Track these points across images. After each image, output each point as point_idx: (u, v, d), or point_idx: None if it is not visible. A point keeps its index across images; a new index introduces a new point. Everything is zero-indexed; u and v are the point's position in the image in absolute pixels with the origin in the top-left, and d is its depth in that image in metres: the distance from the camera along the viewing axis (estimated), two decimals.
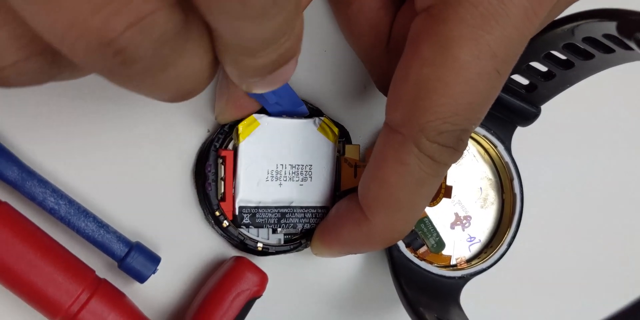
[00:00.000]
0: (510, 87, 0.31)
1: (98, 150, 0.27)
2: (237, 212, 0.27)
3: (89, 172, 0.27)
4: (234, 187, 0.27)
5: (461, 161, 0.32)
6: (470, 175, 0.32)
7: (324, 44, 0.30)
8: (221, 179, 0.27)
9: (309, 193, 0.28)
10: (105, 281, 0.26)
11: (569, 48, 0.28)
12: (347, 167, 0.29)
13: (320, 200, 0.28)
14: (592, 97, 0.36)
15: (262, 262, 0.29)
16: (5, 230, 0.24)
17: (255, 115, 0.27)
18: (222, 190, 0.27)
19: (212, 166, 0.27)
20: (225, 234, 0.28)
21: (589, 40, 0.26)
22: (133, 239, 0.27)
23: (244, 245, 0.28)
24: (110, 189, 0.27)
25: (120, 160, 0.27)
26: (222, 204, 0.27)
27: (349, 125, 0.30)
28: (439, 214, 0.31)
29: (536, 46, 0.27)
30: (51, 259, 0.24)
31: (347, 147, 0.29)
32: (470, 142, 0.32)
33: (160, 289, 0.28)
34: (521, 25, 0.21)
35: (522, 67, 0.29)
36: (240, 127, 0.27)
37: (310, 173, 0.28)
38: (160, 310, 0.28)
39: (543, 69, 0.30)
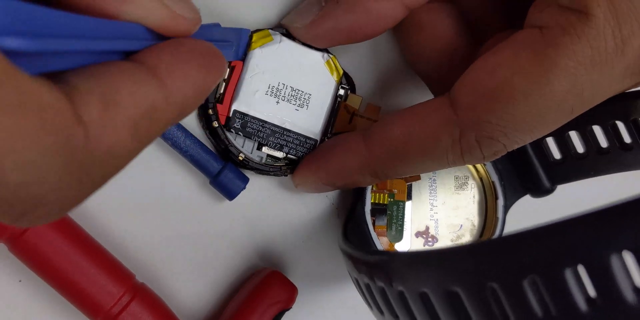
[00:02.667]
0: (542, 148, 0.31)
1: None
2: (230, 114, 0.28)
3: None
4: (234, 92, 0.28)
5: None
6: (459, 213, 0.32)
7: None
8: (223, 80, 0.28)
9: (302, 120, 0.29)
10: (144, 285, 0.27)
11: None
12: (345, 113, 0.30)
13: (310, 131, 0.29)
14: None
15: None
16: (54, 233, 0.25)
17: (270, 30, 0.28)
18: (221, 92, 0.28)
19: None
20: (212, 137, 0.28)
21: None
22: None
23: (227, 153, 0.28)
24: None
25: None
26: (218, 105, 0.28)
27: (358, 80, 0.31)
28: (416, 215, 0.32)
29: (612, 109, 0.28)
30: (96, 262, 0.26)
31: (351, 95, 0.30)
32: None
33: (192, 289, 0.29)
34: (619, 80, 0.22)
35: (586, 127, 0.30)
36: (255, 36, 0.28)
37: (307, 101, 0.29)
38: (194, 316, 0.29)
39: (602, 140, 0.30)
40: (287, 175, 0.30)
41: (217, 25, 0.24)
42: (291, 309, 0.29)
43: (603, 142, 0.30)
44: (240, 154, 0.28)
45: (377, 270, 0.21)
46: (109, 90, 0.15)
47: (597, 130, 0.30)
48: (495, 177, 0.32)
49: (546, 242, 0.17)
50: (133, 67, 0.16)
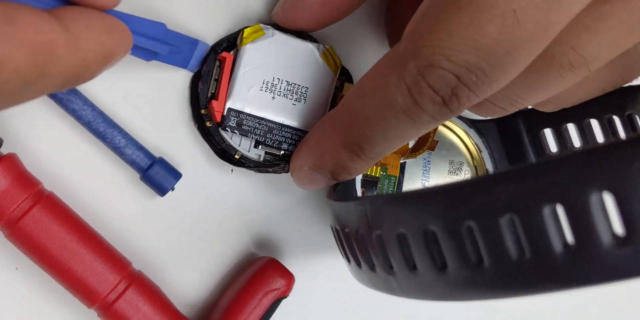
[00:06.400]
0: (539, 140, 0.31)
1: None
2: (225, 113, 0.27)
3: None
4: (228, 89, 0.27)
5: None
6: None
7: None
8: (215, 79, 0.27)
9: (300, 115, 0.28)
10: (141, 273, 0.27)
11: None
12: None
13: (309, 126, 0.28)
14: None
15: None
16: (50, 219, 0.25)
17: (262, 25, 0.28)
18: (213, 91, 0.27)
19: (208, 66, 0.27)
20: (207, 137, 0.28)
21: None
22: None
23: (223, 153, 0.28)
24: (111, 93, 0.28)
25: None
26: (214, 103, 0.27)
27: (353, 70, 0.30)
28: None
29: (608, 102, 0.27)
30: (92, 249, 0.26)
31: (346, 85, 0.29)
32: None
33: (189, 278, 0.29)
34: None
35: (583, 120, 0.30)
36: (246, 31, 0.27)
37: (305, 95, 0.28)
38: (190, 304, 0.29)
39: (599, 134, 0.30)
40: (287, 172, 0.30)
41: (162, 25, 0.25)
42: (288, 297, 0.29)
43: (600, 137, 0.30)
44: (237, 153, 0.28)
45: (359, 215, 0.21)
46: (11, 12, 0.16)
47: (594, 123, 0.30)
48: (490, 165, 0.32)
49: (525, 180, 0.17)
50: (41, 11, 0.17)
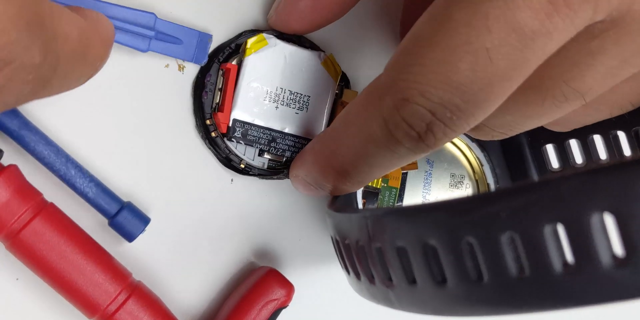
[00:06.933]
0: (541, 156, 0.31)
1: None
2: (230, 124, 0.27)
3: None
4: (233, 100, 0.27)
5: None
6: None
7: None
8: (219, 89, 0.28)
9: (302, 123, 0.29)
10: (141, 283, 0.27)
11: None
12: (342, 110, 0.29)
13: (312, 134, 0.29)
14: None
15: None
16: (51, 231, 0.25)
17: (264, 34, 0.28)
18: (218, 101, 0.28)
19: (212, 77, 0.28)
20: (212, 146, 0.28)
21: None
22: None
23: (228, 161, 0.28)
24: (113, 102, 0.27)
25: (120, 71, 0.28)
26: (219, 114, 0.27)
27: (352, 75, 0.31)
28: (407, 204, 0.31)
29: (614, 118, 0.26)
30: (92, 259, 0.26)
31: (346, 91, 0.30)
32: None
33: (187, 288, 0.29)
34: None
35: (587, 136, 0.29)
36: (249, 41, 0.28)
37: (307, 104, 0.29)
38: (190, 314, 0.29)
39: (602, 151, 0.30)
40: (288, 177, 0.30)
41: (152, 14, 0.26)
42: (288, 307, 0.29)
43: (603, 154, 0.30)
44: (242, 162, 0.28)
45: (359, 227, 0.21)
46: None
47: (598, 139, 0.30)
48: (491, 180, 0.32)
49: (527, 199, 0.17)
50: None
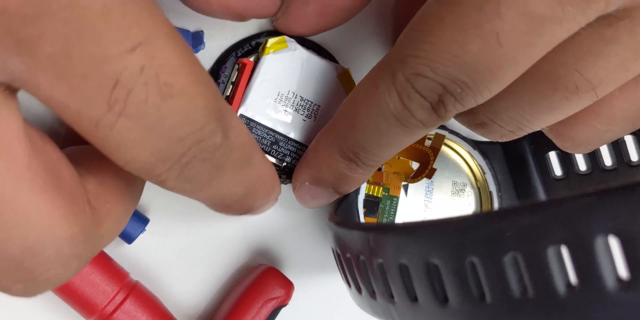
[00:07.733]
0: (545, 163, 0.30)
1: None
2: None
3: None
4: (243, 95, 0.27)
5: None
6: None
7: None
8: (231, 82, 0.28)
9: (308, 131, 0.28)
10: (138, 283, 0.27)
11: None
12: None
13: None
14: None
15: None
16: None
17: (286, 37, 0.28)
18: (228, 94, 0.28)
19: (227, 69, 0.28)
20: None
21: None
22: None
23: None
24: None
25: None
26: None
27: None
28: (408, 213, 0.31)
29: None
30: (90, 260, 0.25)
31: None
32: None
33: (188, 288, 0.29)
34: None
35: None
36: (270, 41, 0.28)
37: (316, 112, 0.29)
38: (189, 314, 0.29)
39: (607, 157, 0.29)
40: (286, 184, 0.30)
41: None
42: (287, 305, 0.29)
43: (607, 160, 0.30)
44: None
45: (361, 242, 0.20)
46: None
47: (603, 146, 0.30)
48: (493, 187, 0.32)
49: (532, 219, 0.16)
50: None
